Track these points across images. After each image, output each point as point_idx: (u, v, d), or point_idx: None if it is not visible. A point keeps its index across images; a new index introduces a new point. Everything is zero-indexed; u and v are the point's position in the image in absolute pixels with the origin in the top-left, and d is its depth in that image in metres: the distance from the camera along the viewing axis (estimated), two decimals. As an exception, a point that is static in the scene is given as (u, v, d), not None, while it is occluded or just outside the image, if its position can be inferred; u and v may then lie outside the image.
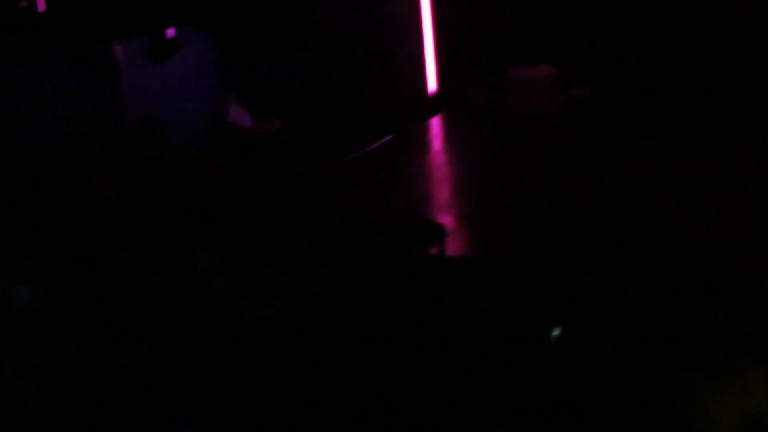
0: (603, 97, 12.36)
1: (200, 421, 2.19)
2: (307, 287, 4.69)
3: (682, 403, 2.79)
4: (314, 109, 12.68)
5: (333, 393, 2.59)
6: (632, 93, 12.18)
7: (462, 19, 13.02)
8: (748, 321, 4.05)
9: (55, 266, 5.22)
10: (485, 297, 4.99)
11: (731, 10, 11.85)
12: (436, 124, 13.31)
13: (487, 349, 3.72)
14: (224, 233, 8.65)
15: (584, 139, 11.51)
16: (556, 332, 4.03)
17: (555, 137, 11.74)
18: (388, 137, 12.34)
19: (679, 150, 10.61)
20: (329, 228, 8.59)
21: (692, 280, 5.34)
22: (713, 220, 8.15)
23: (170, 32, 11.73)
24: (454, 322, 4.06)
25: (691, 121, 11.40)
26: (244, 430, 2.27)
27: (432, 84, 13.54)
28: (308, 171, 11.32)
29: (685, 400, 2.81)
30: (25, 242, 6.49)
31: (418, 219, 9.17)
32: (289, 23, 12.88)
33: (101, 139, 11.05)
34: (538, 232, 8.26)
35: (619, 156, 10.62)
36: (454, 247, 8.22)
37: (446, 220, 9.16)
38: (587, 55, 12.53)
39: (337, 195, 10.44)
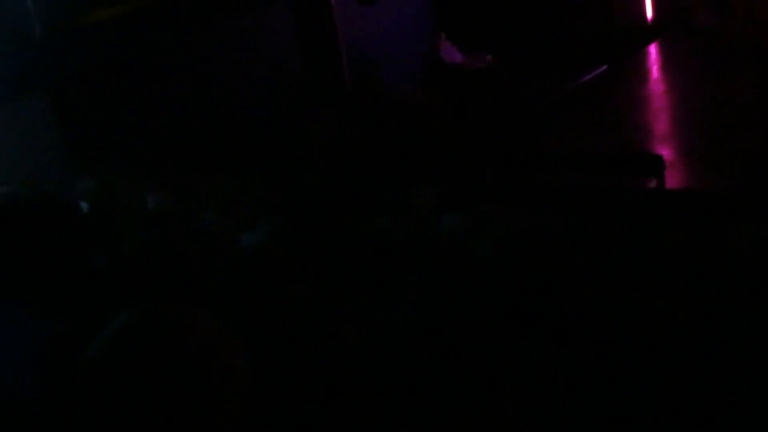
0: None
1: (416, 358, 2.24)
2: (525, 224, 4.67)
3: None
4: (526, 41, 12.47)
5: (552, 333, 2.58)
6: None
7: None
8: None
9: (280, 208, 5.45)
10: (709, 232, 4.81)
11: None
12: (654, 51, 12.81)
13: (713, 287, 3.60)
14: (441, 170, 8.74)
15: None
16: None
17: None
18: (603, 68, 11.99)
19: None
20: (544, 162, 8.50)
21: None
22: None
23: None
24: (676, 260, 3.94)
25: None
26: (461, 367, 2.30)
27: (649, 10, 13.01)
28: (522, 104, 11.21)
29: None
30: (250, 185, 6.80)
31: (636, 151, 8.92)
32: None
33: (319, 81, 11.37)
34: (766, 161, 7.85)
35: None
36: (674, 179, 7.95)
37: (666, 151, 8.86)
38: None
39: (552, 128, 10.31)
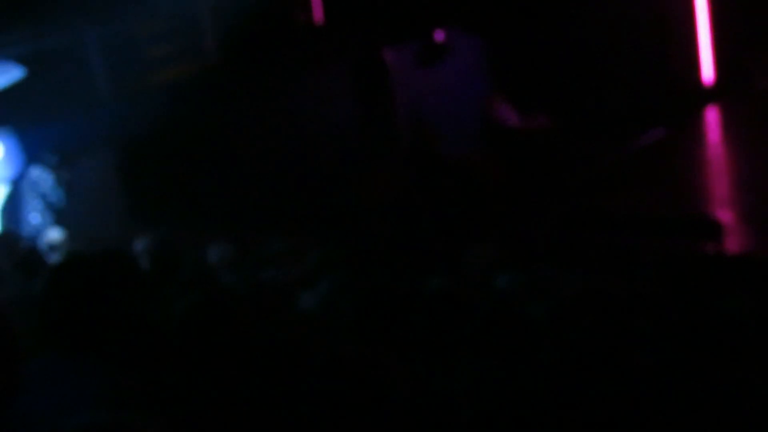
0: None
1: (474, 424, 2.24)
2: (581, 286, 4.63)
3: None
4: (583, 104, 12.48)
5: (605, 397, 2.56)
6: None
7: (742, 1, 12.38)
8: None
9: (339, 264, 5.48)
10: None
11: None
12: (713, 114, 12.72)
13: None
14: (497, 230, 8.73)
15: None
16: None
17: None
18: (661, 131, 11.93)
19: None
20: (601, 224, 8.45)
21: None
22: None
23: (439, 36, 11.97)
24: (735, 326, 3.88)
25: None
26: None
27: (708, 73, 12.96)
28: (579, 166, 11.18)
29: None
30: (308, 243, 6.86)
31: (692, 214, 8.82)
32: (555, 19, 12.77)
33: (376, 141, 11.47)
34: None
35: None
36: (734, 244, 7.85)
37: (725, 215, 8.75)
38: None
39: (608, 190, 10.25)
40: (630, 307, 4.16)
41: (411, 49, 11.84)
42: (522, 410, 2.38)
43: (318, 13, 11.54)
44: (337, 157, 11.03)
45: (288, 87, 10.88)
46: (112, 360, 2.54)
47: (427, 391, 2.20)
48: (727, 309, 4.13)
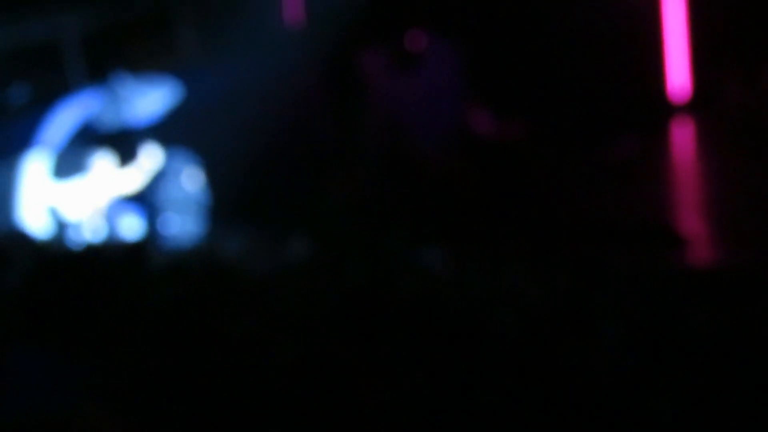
0: None
1: (436, 424, 2.27)
2: (546, 294, 4.69)
3: None
4: (556, 112, 12.56)
5: (570, 408, 2.60)
6: None
7: (715, 11, 12.49)
8: None
9: (305, 264, 5.51)
10: (732, 309, 4.80)
11: None
12: (682, 127, 12.83)
13: (737, 365, 3.60)
14: (468, 236, 8.79)
15: None
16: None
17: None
18: (633, 140, 12.02)
19: None
20: (571, 232, 8.53)
21: None
22: None
23: (415, 42, 12.03)
24: (699, 337, 3.94)
25: None
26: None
27: (678, 85, 13.07)
28: (550, 174, 11.25)
29: None
30: (280, 240, 6.89)
31: (651, 224, 8.89)
32: (531, 27, 12.84)
33: (349, 145, 11.51)
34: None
35: None
36: (699, 255, 7.94)
37: (690, 226, 8.84)
38: None
39: (580, 199, 10.32)
40: (597, 316, 4.22)
41: (386, 55, 11.87)
42: (487, 414, 2.42)
43: (295, 16, 11.59)
44: (310, 160, 11.06)
45: (263, 89, 10.91)
46: (83, 353, 2.56)
47: (397, 390, 2.23)
48: (694, 321, 4.20)
